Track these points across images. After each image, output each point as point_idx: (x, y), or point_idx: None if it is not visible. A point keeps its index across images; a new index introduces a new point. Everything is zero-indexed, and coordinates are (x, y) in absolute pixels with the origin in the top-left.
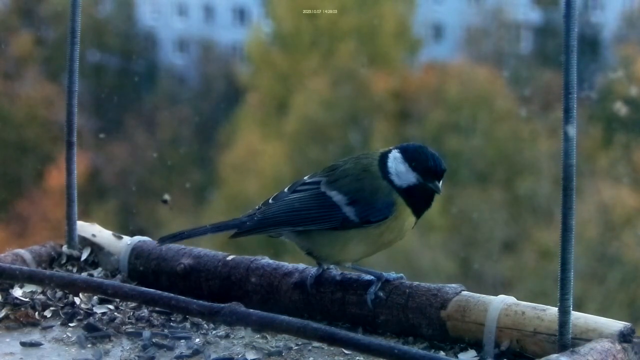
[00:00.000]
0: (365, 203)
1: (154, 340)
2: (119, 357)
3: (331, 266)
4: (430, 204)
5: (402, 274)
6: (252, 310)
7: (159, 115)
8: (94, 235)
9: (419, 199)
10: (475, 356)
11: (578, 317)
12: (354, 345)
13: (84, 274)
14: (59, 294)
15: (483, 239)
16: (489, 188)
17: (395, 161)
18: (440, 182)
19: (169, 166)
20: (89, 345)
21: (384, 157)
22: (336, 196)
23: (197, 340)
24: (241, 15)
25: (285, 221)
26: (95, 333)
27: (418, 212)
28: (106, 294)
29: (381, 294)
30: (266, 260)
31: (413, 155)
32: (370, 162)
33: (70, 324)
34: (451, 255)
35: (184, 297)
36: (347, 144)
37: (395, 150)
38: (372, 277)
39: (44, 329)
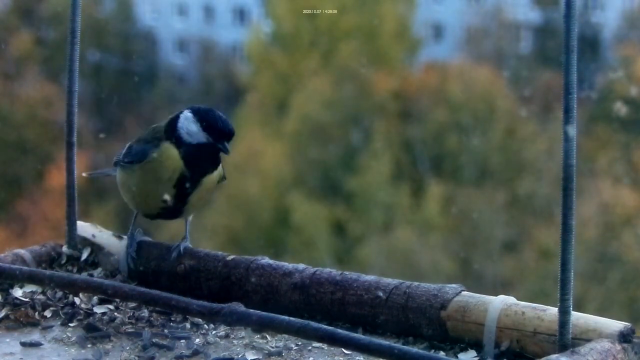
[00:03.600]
0: (130, 147)
1: (154, 340)
2: (119, 357)
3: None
4: (217, 165)
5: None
6: (252, 310)
7: (159, 115)
8: (94, 236)
9: (204, 157)
10: (475, 356)
11: (578, 317)
12: (354, 345)
13: (84, 274)
14: (59, 294)
15: (483, 239)
16: (489, 188)
17: (187, 121)
18: (229, 143)
19: None
20: (89, 345)
21: (175, 118)
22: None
23: (197, 340)
24: (241, 15)
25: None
26: (95, 333)
27: (198, 168)
28: (106, 294)
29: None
30: (266, 260)
31: (204, 117)
32: (159, 126)
33: (70, 324)
34: (451, 255)
35: (184, 297)
36: (348, 143)
37: (187, 110)
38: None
39: (44, 329)
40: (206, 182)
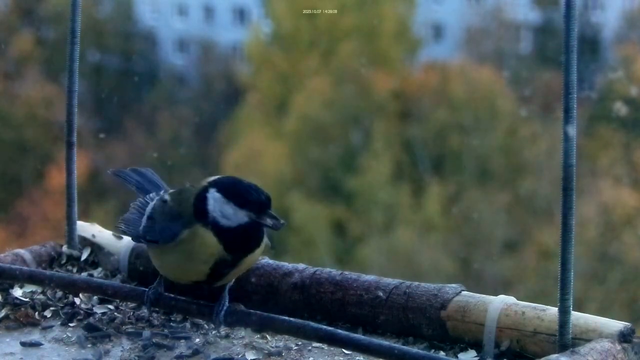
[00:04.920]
0: (152, 221)
1: (154, 340)
2: (119, 357)
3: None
4: (261, 240)
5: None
6: (252, 310)
7: (159, 115)
8: (94, 236)
9: (248, 238)
10: (475, 356)
11: (578, 317)
12: (354, 345)
13: (84, 274)
14: (59, 294)
15: (483, 239)
16: (489, 188)
17: (217, 202)
18: (270, 213)
19: (169, 166)
20: (89, 345)
21: (202, 200)
22: (150, 206)
23: (197, 340)
24: (241, 15)
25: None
26: (95, 333)
27: (241, 250)
28: (106, 294)
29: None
30: (266, 260)
31: (235, 193)
32: (188, 196)
33: (70, 324)
34: (451, 255)
35: (183, 297)
36: (348, 143)
37: (213, 190)
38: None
39: (44, 329)
40: (247, 261)
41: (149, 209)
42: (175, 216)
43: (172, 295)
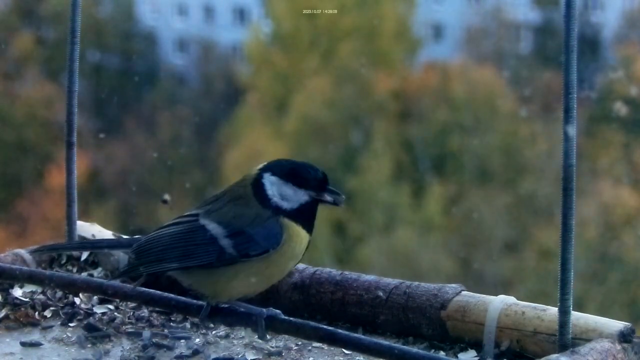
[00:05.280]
0: (244, 235)
1: (154, 340)
2: (119, 357)
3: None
4: (315, 215)
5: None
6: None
7: (159, 115)
8: (93, 236)
9: (312, 215)
10: (475, 356)
11: (578, 317)
12: (354, 345)
13: (84, 274)
14: (59, 294)
15: (483, 239)
16: (489, 188)
17: (275, 186)
18: (330, 189)
19: (169, 166)
20: (89, 345)
21: (257, 184)
22: (215, 229)
23: (197, 340)
24: (241, 15)
25: (157, 259)
26: (95, 333)
27: (311, 227)
28: (106, 294)
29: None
30: None
31: (291, 174)
32: (244, 191)
33: (70, 324)
34: (451, 255)
35: (184, 297)
36: (348, 143)
37: (267, 174)
38: (254, 314)
39: (44, 329)
40: None
41: (210, 227)
42: (254, 218)
43: (173, 295)
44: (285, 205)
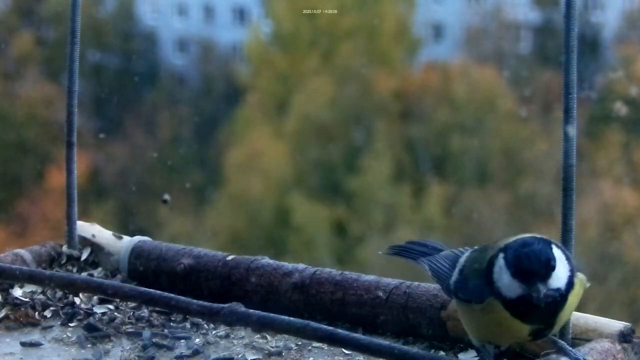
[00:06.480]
0: (463, 277)
1: (154, 340)
2: (119, 357)
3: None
4: (560, 305)
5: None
6: (252, 310)
7: (159, 115)
8: (93, 235)
9: (534, 309)
10: (475, 356)
11: (578, 317)
12: (354, 345)
13: (84, 274)
14: (59, 294)
15: (483, 239)
16: (489, 188)
17: (501, 270)
18: (546, 282)
19: (169, 166)
20: (89, 345)
21: (490, 263)
22: (461, 259)
23: (197, 340)
24: (241, 15)
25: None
26: (95, 333)
27: (538, 318)
28: (106, 294)
29: None
30: (266, 260)
31: (512, 261)
32: (483, 261)
33: (70, 324)
34: None
35: (184, 297)
36: (348, 143)
37: (502, 254)
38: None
39: (44, 329)
40: (566, 309)
41: (462, 259)
42: (481, 276)
43: (173, 295)
44: (505, 293)
